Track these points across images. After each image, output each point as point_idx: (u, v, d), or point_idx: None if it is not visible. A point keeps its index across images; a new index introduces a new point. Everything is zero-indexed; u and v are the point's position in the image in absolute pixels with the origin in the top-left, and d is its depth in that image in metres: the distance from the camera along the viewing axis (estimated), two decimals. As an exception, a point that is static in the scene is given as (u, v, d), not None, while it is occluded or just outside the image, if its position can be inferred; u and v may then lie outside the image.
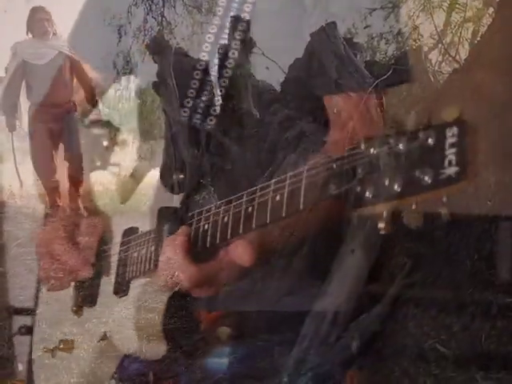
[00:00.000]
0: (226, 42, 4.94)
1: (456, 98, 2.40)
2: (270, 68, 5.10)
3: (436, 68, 3.53)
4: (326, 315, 2.21)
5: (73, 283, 1.73)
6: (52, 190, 4.47)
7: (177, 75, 3.96)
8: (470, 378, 1.65)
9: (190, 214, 1.08)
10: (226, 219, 0.95)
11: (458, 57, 3.42)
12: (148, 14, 7.99)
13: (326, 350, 2.06)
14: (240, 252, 0.97)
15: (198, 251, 1.05)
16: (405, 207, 0.62)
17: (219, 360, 2.25)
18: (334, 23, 3.21)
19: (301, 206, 0.76)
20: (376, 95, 2.65)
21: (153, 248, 1.23)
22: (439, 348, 1.75)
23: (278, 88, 4.58)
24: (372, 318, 2.06)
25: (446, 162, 0.57)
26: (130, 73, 7.70)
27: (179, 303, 2.45)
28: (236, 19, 5.02)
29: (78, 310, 1.81)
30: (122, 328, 2.36)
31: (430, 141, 0.59)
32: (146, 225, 2.30)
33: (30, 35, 4.78)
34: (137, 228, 2.14)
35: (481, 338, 1.71)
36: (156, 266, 1.16)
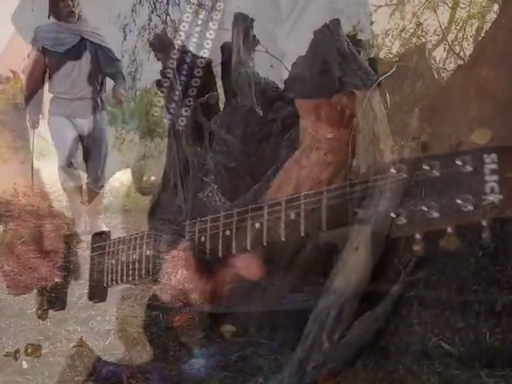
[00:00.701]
0: (230, 39, 4.87)
1: (460, 94, 2.39)
2: (273, 66, 5.10)
3: (440, 65, 3.52)
4: (329, 313, 2.21)
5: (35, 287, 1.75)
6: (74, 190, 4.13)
7: (180, 73, 3.95)
8: (475, 376, 1.64)
9: (184, 223, 1.06)
10: (228, 233, 0.93)
11: (462, 53, 3.41)
12: (152, 12, 7.98)
13: (330, 348, 2.06)
14: (251, 268, 0.95)
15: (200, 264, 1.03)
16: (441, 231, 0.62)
17: (196, 361, 2.26)
18: (337, 20, 3.21)
19: (323, 228, 0.74)
20: (380, 92, 2.65)
21: (136, 257, 1.21)
22: (443, 345, 1.74)
23: (281, 86, 4.55)
24: (376, 315, 2.06)
25: (488, 189, 0.57)
26: (136, 71, 7.66)
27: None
28: (238, 17, 4.99)
29: (42, 313, 1.80)
30: (126, 326, 2.38)
31: (468, 167, 0.58)
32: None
33: (53, 19, 4.05)
34: (109, 232, 2.16)
35: (485, 335, 1.71)
36: (141, 275, 1.14)
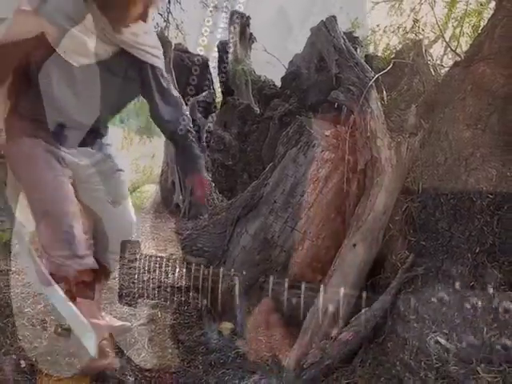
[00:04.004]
0: (226, 37, 4.89)
1: (457, 91, 2.39)
2: (270, 63, 5.12)
3: (438, 61, 3.51)
4: (327, 309, 2.22)
5: None
6: None
7: (177, 71, 3.96)
8: (472, 371, 1.65)
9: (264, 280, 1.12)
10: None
11: (459, 50, 3.40)
12: (154, 10, 7.99)
13: (328, 345, 2.07)
14: None
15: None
16: None
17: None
18: (333, 17, 3.21)
19: None
20: (377, 89, 2.66)
21: (169, 280, 1.29)
22: (441, 341, 1.74)
23: (278, 83, 4.54)
24: (373, 311, 2.06)
25: None
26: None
27: (181, 299, 2.47)
28: (235, 14, 5.01)
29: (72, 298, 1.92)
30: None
31: None
32: (146, 220, 2.33)
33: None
34: (137, 242, 2.18)
35: (482, 330, 1.71)
36: (173, 299, 1.22)
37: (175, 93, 2.26)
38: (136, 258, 2.48)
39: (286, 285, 2.22)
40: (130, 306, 2.31)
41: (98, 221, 2.18)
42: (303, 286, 2.24)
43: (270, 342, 2.18)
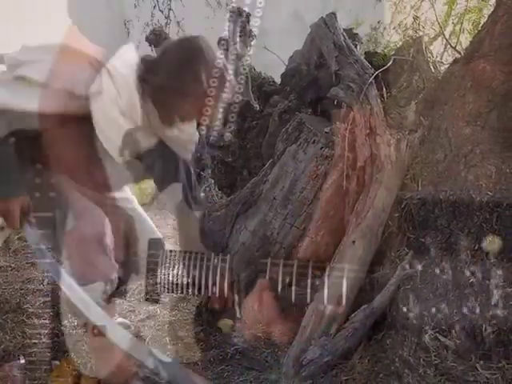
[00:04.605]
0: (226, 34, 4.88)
1: (456, 88, 2.39)
2: (270, 60, 5.11)
3: (438, 58, 3.51)
4: (326, 306, 2.22)
5: None
6: None
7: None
8: (471, 368, 1.65)
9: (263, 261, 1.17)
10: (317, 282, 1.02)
11: (459, 47, 3.40)
12: (155, 7, 7.97)
13: (327, 341, 2.07)
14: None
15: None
16: None
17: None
18: (333, 14, 3.20)
19: None
20: (376, 86, 2.66)
21: (190, 274, 1.34)
22: (440, 338, 1.75)
23: (278, 80, 4.52)
24: (372, 308, 2.06)
25: None
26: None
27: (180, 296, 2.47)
28: (235, 11, 5.00)
29: (108, 299, 1.91)
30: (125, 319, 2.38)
31: None
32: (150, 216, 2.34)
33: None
34: (162, 240, 2.18)
35: (481, 327, 1.71)
36: (194, 291, 1.27)
37: (199, 191, 2.27)
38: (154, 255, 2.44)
39: (281, 266, 2.22)
40: (156, 302, 2.30)
41: (128, 223, 2.11)
42: (295, 264, 2.28)
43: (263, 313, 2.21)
